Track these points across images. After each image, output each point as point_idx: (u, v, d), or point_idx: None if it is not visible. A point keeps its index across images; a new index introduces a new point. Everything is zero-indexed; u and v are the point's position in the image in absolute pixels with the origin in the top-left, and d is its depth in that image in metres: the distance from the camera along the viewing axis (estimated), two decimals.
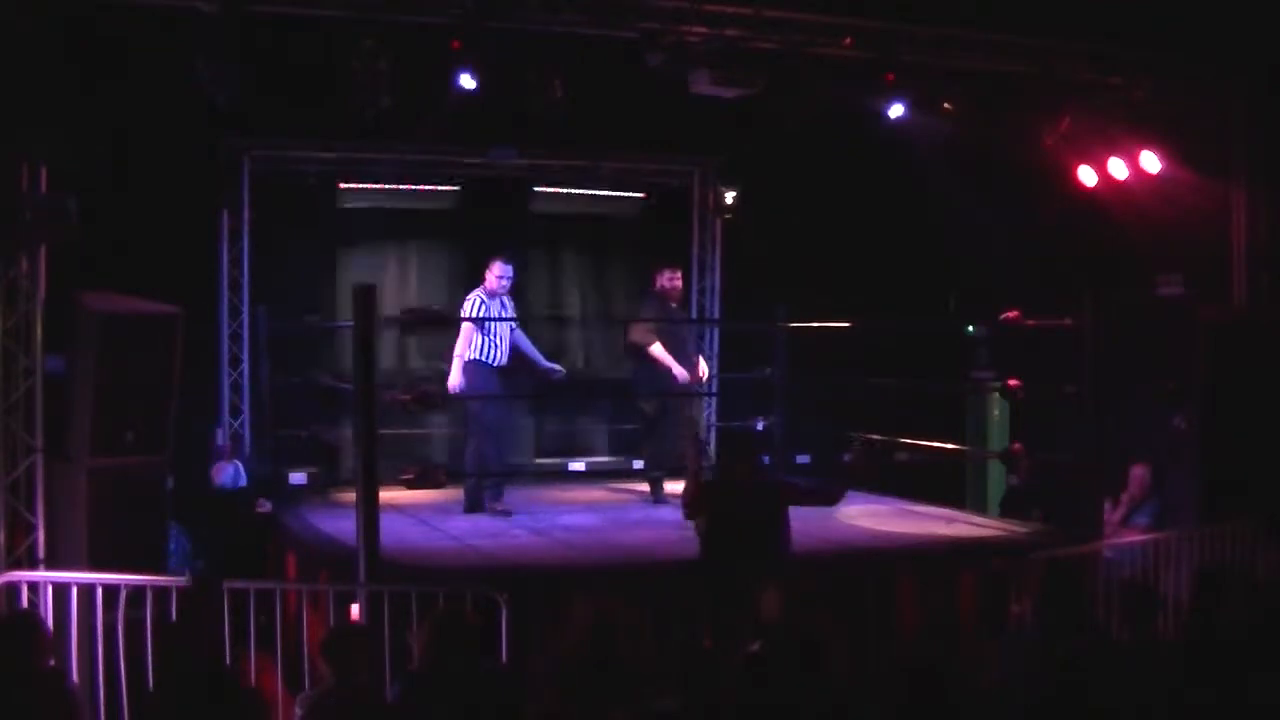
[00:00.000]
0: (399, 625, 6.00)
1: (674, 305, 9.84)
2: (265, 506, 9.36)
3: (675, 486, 9.27)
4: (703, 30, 8.50)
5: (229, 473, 10.08)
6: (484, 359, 9.12)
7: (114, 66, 8.48)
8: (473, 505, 9.10)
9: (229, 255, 10.55)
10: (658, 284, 9.77)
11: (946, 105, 9.25)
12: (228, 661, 6.19)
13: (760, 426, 11.07)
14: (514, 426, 9.48)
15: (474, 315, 9.06)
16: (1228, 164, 9.54)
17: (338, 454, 10.32)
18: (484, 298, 9.15)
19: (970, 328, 12.18)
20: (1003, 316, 8.83)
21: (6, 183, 7.02)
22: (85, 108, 8.50)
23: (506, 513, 9.00)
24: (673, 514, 8.98)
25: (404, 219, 11.10)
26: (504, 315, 9.19)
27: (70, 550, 7.00)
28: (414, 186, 10.96)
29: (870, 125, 9.55)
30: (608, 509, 9.33)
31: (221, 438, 10.46)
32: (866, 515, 8.92)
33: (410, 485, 8.00)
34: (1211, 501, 8.58)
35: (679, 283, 9.85)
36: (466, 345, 9.11)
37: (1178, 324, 9.26)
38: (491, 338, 9.12)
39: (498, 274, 9.14)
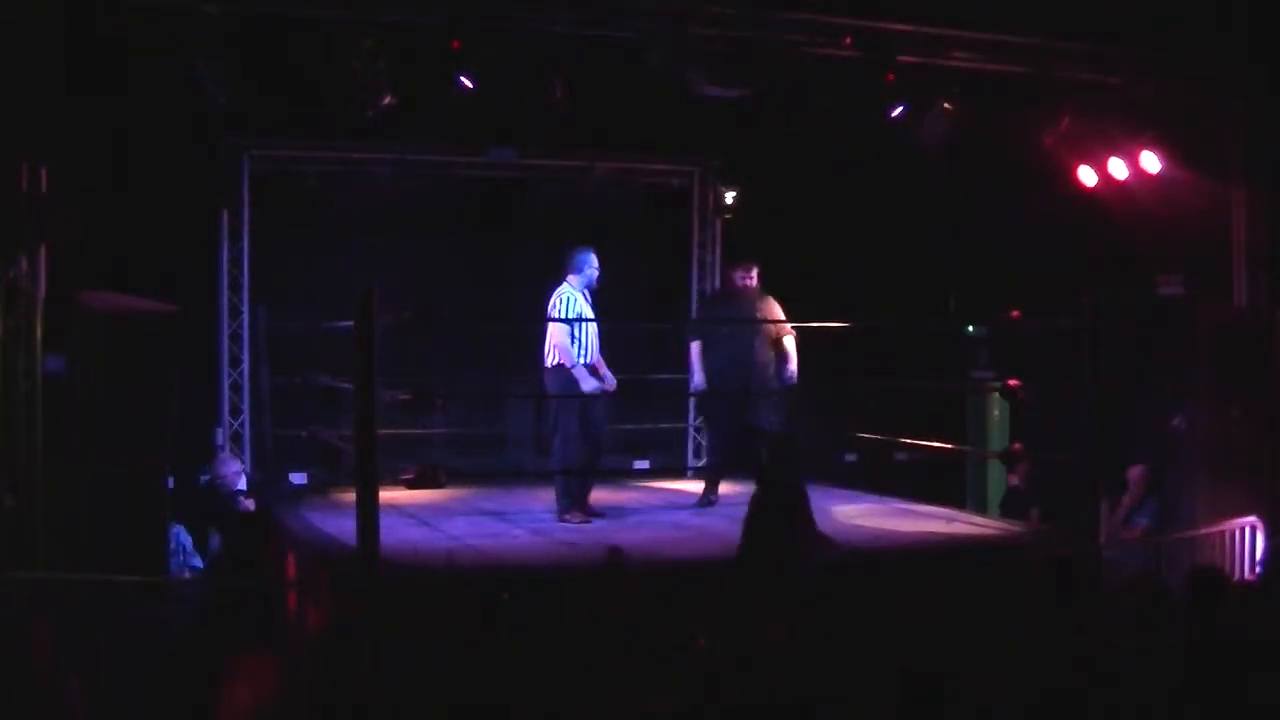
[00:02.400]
0: (400, 625, 5.99)
1: (743, 303, 9.46)
2: (247, 505, 9.33)
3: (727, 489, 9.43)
4: (703, 30, 8.50)
5: (234, 468, 9.96)
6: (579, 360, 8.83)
7: (114, 66, 8.49)
8: (563, 509, 8.77)
9: (229, 255, 10.55)
10: (732, 282, 9.61)
11: (946, 105, 9.24)
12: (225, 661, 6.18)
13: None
14: (605, 426, 9.17)
15: (568, 314, 8.69)
16: (1228, 164, 9.54)
17: (338, 454, 10.31)
18: (576, 294, 8.80)
19: (970, 328, 12.18)
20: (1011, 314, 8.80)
21: (6, 183, 7.02)
22: (85, 108, 8.51)
23: (599, 515, 8.77)
24: (673, 514, 9.00)
25: (404, 219, 11.09)
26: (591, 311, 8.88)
27: (71, 550, 7.00)
28: (414, 186, 10.94)
29: (870, 125, 9.55)
30: (608, 509, 9.31)
31: (221, 438, 10.45)
32: (866, 515, 8.92)
33: (410, 485, 7.99)
34: (1211, 501, 8.58)
35: (751, 280, 9.46)
36: (561, 348, 8.72)
37: (1178, 324, 9.26)
38: (581, 336, 8.80)
39: (595, 265, 8.90)
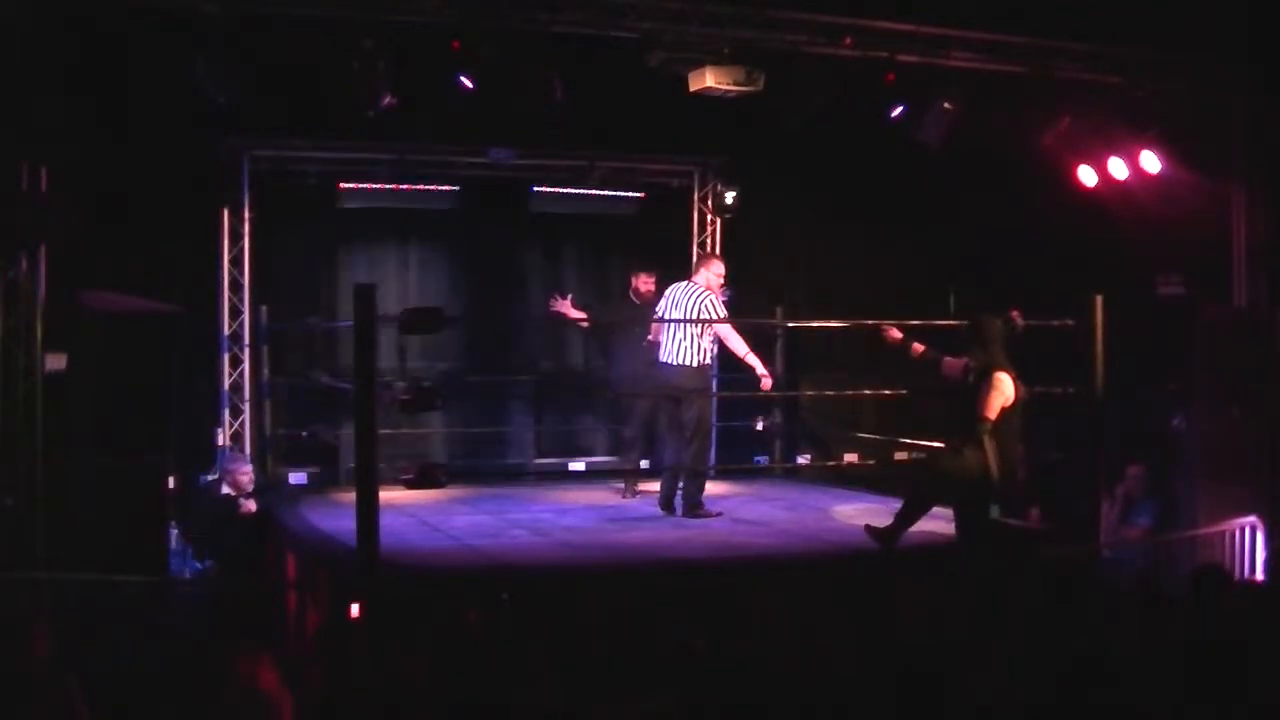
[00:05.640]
0: (399, 625, 6.00)
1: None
2: (248, 506, 9.32)
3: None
4: (703, 30, 8.50)
5: (245, 468, 9.87)
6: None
7: (114, 66, 8.49)
8: (700, 504, 8.78)
9: (229, 255, 10.55)
10: (634, 285, 10.00)
11: (946, 105, 9.25)
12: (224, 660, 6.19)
13: (760, 426, 11.05)
14: None
15: (719, 314, 8.73)
16: (1228, 164, 9.54)
17: (338, 454, 10.30)
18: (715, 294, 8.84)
19: None
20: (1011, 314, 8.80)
21: (6, 183, 7.03)
22: (86, 108, 8.51)
23: (719, 514, 8.78)
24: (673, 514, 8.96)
25: (404, 219, 11.09)
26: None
27: (71, 550, 7.00)
28: (414, 186, 10.95)
29: (870, 125, 9.55)
30: (608, 509, 9.32)
31: (221, 438, 10.45)
32: (866, 515, 8.91)
33: (410, 485, 8.00)
34: (1211, 501, 8.59)
35: (651, 286, 9.88)
36: (742, 344, 8.74)
37: (1178, 324, 9.26)
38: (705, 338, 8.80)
39: (721, 270, 8.93)
